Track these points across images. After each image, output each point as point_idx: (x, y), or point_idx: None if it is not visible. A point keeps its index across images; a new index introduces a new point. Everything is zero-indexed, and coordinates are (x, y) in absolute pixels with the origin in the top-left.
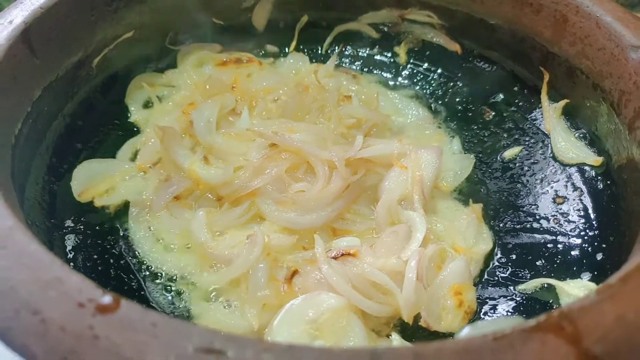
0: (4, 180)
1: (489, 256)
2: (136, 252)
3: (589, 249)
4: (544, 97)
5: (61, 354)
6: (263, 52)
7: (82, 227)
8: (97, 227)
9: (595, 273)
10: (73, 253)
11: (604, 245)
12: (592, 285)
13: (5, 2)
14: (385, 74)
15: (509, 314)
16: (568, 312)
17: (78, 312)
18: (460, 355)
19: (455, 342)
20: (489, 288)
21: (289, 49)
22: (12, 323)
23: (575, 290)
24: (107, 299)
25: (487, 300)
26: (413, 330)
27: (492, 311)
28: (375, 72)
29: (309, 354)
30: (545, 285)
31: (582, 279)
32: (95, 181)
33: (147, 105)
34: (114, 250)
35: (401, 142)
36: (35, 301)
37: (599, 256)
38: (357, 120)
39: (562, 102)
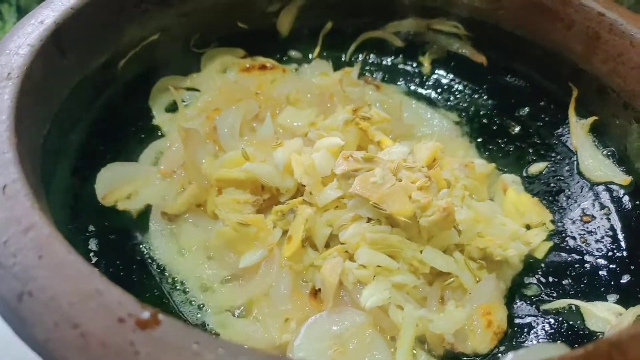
0: (36, 185)
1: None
2: (158, 259)
3: (617, 269)
4: (571, 113)
5: None
6: (286, 57)
7: (104, 231)
8: (119, 232)
9: (622, 295)
10: (96, 258)
11: (632, 267)
12: (619, 308)
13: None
14: (409, 84)
15: (537, 334)
16: (618, 341)
17: (118, 326)
18: None
19: None
20: (515, 307)
21: (312, 55)
22: (52, 335)
23: (602, 312)
24: (146, 314)
25: (514, 319)
26: (436, 349)
27: (519, 331)
28: (399, 81)
29: None
30: (573, 307)
31: (608, 300)
32: (118, 185)
33: (170, 108)
34: (137, 256)
35: None
36: (75, 314)
37: (626, 278)
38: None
39: (591, 119)
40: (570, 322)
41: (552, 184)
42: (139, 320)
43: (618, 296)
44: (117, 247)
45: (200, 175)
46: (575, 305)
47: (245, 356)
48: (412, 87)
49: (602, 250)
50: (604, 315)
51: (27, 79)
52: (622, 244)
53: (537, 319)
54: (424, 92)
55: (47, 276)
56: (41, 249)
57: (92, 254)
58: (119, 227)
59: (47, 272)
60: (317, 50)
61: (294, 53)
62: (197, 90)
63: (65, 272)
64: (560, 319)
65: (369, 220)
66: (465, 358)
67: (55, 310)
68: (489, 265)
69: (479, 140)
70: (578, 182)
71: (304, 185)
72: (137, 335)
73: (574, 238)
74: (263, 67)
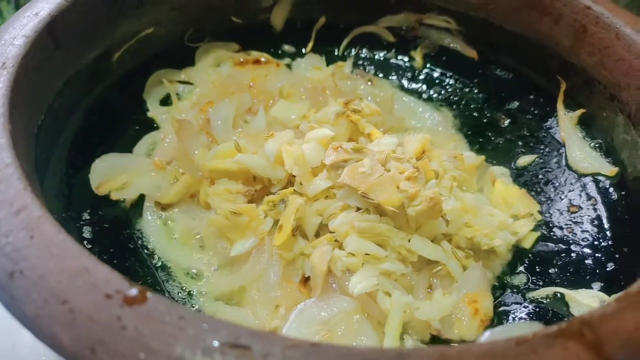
0: (30, 171)
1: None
2: (150, 247)
3: (602, 258)
4: (560, 105)
5: (89, 343)
6: (280, 51)
7: (98, 219)
8: (113, 221)
9: (606, 283)
10: (90, 245)
11: (616, 256)
12: (603, 296)
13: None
14: (401, 78)
15: (522, 321)
16: (589, 319)
17: (106, 302)
18: (483, 358)
19: (479, 345)
20: (502, 295)
21: (305, 49)
22: (41, 312)
23: (586, 299)
24: (134, 291)
25: (501, 306)
26: (422, 335)
27: (505, 318)
28: (391, 75)
29: (334, 352)
30: (558, 295)
31: (592, 288)
32: (112, 175)
33: (165, 101)
34: (129, 244)
35: None
36: (64, 291)
37: (610, 266)
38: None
39: (579, 112)
40: (556, 310)
41: (540, 176)
42: (126, 297)
43: (602, 284)
44: (111, 235)
45: (193, 166)
46: (561, 293)
47: (226, 330)
48: (404, 81)
49: (588, 240)
50: (589, 303)
51: (21, 69)
52: (608, 233)
53: (523, 306)
54: (415, 86)
55: (37, 255)
56: (32, 230)
57: (85, 242)
58: (113, 216)
59: (38, 251)
60: (310, 44)
61: (287, 47)
62: (191, 83)
63: (55, 252)
64: (546, 306)
65: (358, 209)
66: (452, 344)
67: (45, 287)
68: (476, 255)
69: (469, 133)
70: (566, 173)
71: (295, 176)
72: (124, 310)
73: (561, 228)
74: (257, 62)
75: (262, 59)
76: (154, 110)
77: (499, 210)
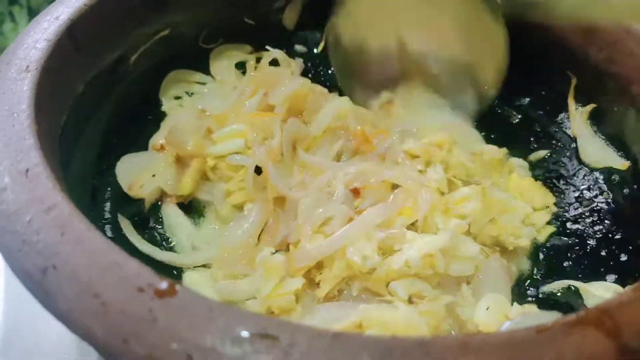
0: (56, 170)
1: None
2: (172, 243)
3: (615, 250)
4: (571, 101)
5: (122, 334)
6: (292, 51)
7: (119, 218)
8: (135, 218)
9: (620, 275)
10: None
11: (630, 247)
12: (617, 287)
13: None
14: None
15: None
16: (607, 307)
17: (137, 295)
18: (504, 346)
19: (500, 334)
20: (516, 289)
21: (317, 49)
22: (74, 305)
23: (599, 291)
24: (164, 284)
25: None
26: None
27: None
28: None
29: (359, 342)
30: (572, 288)
31: (606, 280)
32: (136, 174)
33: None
34: (152, 242)
35: None
36: (96, 285)
37: (624, 257)
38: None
39: (590, 107)
40: (570, 302)
41: (552, 171)
42: (157, 290)
43: (616, 276)
44: (132, 232)
45: (183, 139)
46: (575, 286)
47: (253, 321)
48: None
49: (601, 233)
50: (603, 294)
51: (44, 71)
52: (621, 226)
53: (537, 299)
54: None
55: (69, 251)
56: (63, 227)
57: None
58: (133, 213)
59: (69, 247)
60: (321, 45)
61: (299, 47)
62: (204, 83)
63: (86, 247)
64: (560, 299)
65: None
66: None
67: (77, 282)
68: (502, 251)
69: (482, 129)
70: (578, 168)
71: None
72: (155, 303)
73: (574, 222)
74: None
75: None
76: (168, 104)
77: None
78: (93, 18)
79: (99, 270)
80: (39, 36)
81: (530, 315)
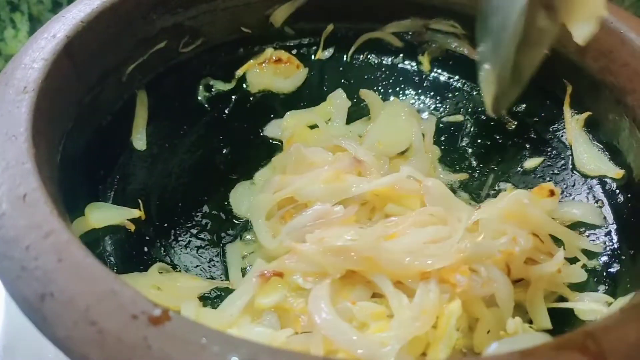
0: (55, 194)
1: None
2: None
3: (608, 261)
4: (566, 109)
5: None
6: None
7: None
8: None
9: (611, 286)
10: (111, 259)
11: (623, 258)
12: (608, 298)
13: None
14: (409, 82)
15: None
16: (592, 331)
17: (132, 323)
18: None
19: (484, 359)
20: None
21: (314, 56)
22: (72, 333)
23: (590, 303)
24: (157, 311)
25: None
26: None
27: None
28: (399, 79)
29: None
30: (563, 298)
31: (598, 291)
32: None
33: None
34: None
35: None
36: (93, 312)
37: (616, 268)
38: None
39: (585, 115)
40: (560, 311)
41: (547, 178)
42: (151, 317)
43: (607, 287)
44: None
45: None
46: (565, 297)
47: (246, 348)
48: (412, 86)
49: (595, 242)
50: (593, 307)
51: (42, 92)
52: (614, 235)
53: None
54: (423, 90)
55: (66, 278)
56: (61, 253)
57: (107, 254)
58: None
59: (67, 274)
60: (319, 52)
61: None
62: None
63: (83, 275)
64: (552, 308)
65: None
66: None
67: (75, 309)
68: None
69: (477, 135)
70: (572, 176)
71: None
72: (150, 330)
73: None
74: (278, 61)
75: (284, 59)
76: None
77: None
78: (91, 34)
79: (96, 297)
80: (36, 55)
81: (517, 338)
